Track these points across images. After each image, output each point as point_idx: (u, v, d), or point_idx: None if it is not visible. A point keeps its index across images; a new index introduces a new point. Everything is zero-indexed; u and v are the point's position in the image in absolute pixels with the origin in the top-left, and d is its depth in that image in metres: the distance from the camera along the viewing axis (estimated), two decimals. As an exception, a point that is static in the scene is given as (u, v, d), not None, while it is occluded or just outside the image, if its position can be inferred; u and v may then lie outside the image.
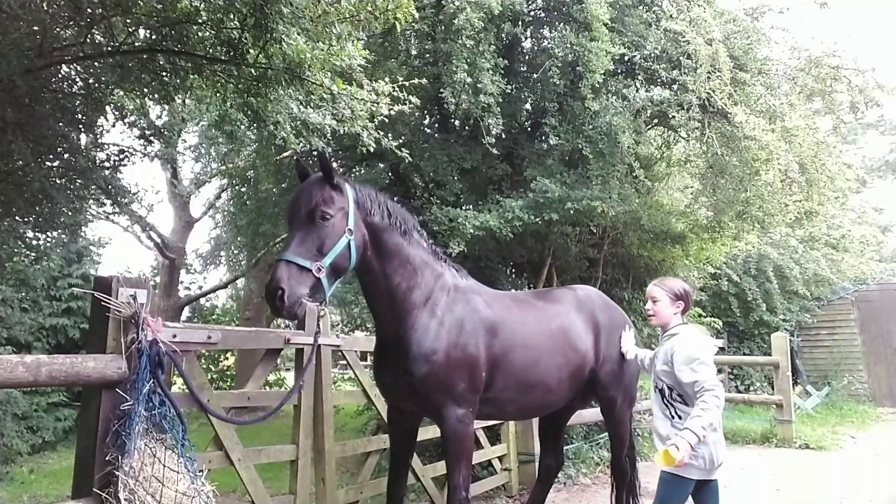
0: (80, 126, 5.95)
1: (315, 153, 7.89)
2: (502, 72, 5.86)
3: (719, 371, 12.43)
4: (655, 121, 7.16)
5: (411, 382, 3.12)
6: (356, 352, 4.41)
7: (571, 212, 5.84)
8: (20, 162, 5.42)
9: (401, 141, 5.51)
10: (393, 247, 3.12)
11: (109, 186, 7.33)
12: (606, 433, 7.50)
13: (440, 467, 4.61)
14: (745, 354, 12.46)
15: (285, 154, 7.40)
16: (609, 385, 3.93)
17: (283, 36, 3.46)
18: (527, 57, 7.53)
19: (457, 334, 3.20)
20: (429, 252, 3.36)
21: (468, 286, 3.48)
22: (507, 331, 3.45)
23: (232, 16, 3.53)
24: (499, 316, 3.45)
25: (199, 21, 3.72)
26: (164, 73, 4.27)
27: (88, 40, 4.09)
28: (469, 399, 3.23)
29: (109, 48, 4.03)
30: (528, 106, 7.27)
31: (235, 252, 13.75)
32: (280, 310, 2.61)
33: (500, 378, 3.39)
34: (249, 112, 4.31)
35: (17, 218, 6.21)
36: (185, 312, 13.86)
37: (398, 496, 3.48)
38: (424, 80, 5.04)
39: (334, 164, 2.90)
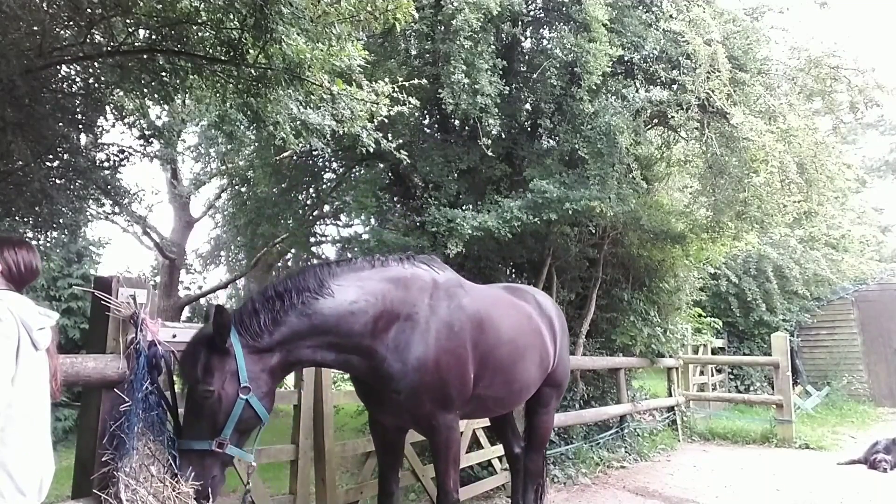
0: (80, 126, 5.97)
1: (313, 152, 7.94)
2: (501, 72, 5.86)
3: (719, 371, 12.42)
4: (655, 121, 7.16)
5: (398, 400, 3.00)
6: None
7: (570, 212, 5.84)
8: (20, 162, 5.43)
9: (400, 141, 5.50)
10: (325, 319, 2.74)
11: (109, 186, 7.34)
12: (606, 433, 7.58)
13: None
14: (745, 354, 12.47)
15: (285, 154, 7.40)
16: (555, 384, 4.20)
17: (282, 36, 3.46)
18: (526, 57, 7.53)
19: (446, 337, 3.06)
20: (379, 268, 3.04)
21: (448, 280, 3.32)
22: (493, 326, 3.39)
23: (232, 16, 3.53)
24: (484, 310, 3.37)
25: (199, 21, 3.72)
26: (164, 74, 4.27)
27: (88, 40, 4.10)
28: (458, 402, 3.18)
29: (109, 48, 4.04)
30: (527, 106, 7.27)
31: (235, 252, 13.76)
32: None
33: (487, 375, 3.33)
34: (249, 112, 4.31)
35: (17, 218, 6.22)
36: (185, 312, 13.84)
37: (391, 494, 3.45)
38: (424, 81, 5.04)
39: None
